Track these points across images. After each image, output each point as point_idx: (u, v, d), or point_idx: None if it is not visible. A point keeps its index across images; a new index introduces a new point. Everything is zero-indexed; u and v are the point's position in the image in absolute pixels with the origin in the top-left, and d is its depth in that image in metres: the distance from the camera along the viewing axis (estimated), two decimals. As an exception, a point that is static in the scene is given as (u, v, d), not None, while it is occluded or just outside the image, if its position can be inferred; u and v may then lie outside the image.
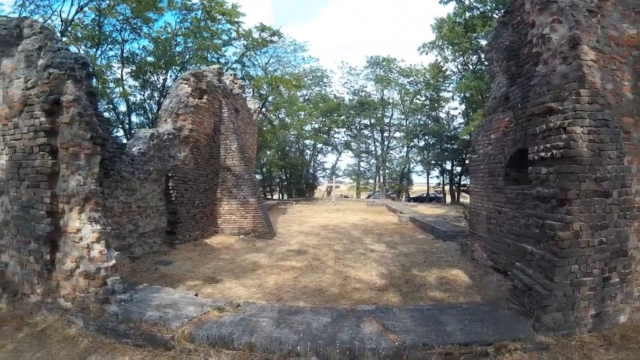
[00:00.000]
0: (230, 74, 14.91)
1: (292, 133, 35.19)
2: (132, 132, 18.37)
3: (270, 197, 36.65)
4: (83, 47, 19.20)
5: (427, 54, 30.95)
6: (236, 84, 14.59)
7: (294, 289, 6.19)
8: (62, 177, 4.64)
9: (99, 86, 18.92)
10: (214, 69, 12.45)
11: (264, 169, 33.42)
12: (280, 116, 33.02)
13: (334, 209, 20.78)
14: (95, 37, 18.89)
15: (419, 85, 37.44)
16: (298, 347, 3.58)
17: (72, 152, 4.63)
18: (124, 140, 11.98)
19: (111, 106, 21.75)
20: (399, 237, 11.71)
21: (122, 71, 21.11)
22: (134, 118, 23.12)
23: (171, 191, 9.68)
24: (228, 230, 12.12)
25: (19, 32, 5.22)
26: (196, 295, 5.28)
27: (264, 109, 25.95)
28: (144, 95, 22.99)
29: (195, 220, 10.83)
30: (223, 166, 12.23)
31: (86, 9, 18.32)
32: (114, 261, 4.72)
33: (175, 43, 21.40)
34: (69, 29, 17.83)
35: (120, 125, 22.16)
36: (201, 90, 10.94)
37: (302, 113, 33.91)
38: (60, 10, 21.45)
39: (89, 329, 4.19)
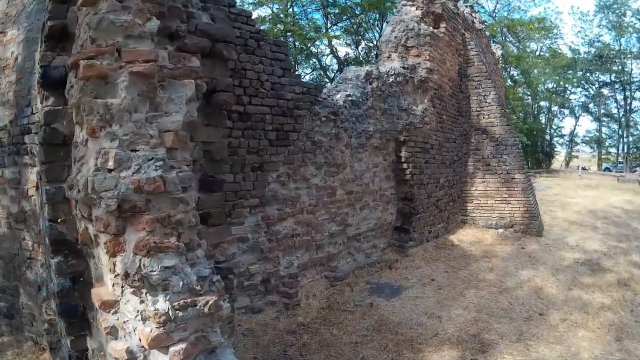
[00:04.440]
0: (467, 6, 10.71)
1: (527, 94, 30.25)
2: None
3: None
4: (276, 7, 17.88)
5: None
6: (476, 18, 10.38)
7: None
8: (76, 150, 1.75)
9: (297, 42, 17.70)
10: (446, -10, 8.48)
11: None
12: (512, 73, 27.54)
13: (582, 184, 17.45)
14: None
15: (658, 29, 29.86)
16: None
17: (88, 74, 1.61)
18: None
19: (317, 64, 20.56)
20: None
21: (324, 18, 19.29)
22: (347, 74, 21.42)
23: (404, 165, 6.28)
24: (481, 220, 8.25)
25: None
26: None
27: (501, 62, 20.34)
28: (357, 49, 20.84)
29: (438, 208, 7.23)
30: (475, 127, 8.46)
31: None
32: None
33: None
34: None
35: (328, 83, 20.83)
36: (435, 16, 7.45)
37: (535, 70, 28.08)
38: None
39: None
